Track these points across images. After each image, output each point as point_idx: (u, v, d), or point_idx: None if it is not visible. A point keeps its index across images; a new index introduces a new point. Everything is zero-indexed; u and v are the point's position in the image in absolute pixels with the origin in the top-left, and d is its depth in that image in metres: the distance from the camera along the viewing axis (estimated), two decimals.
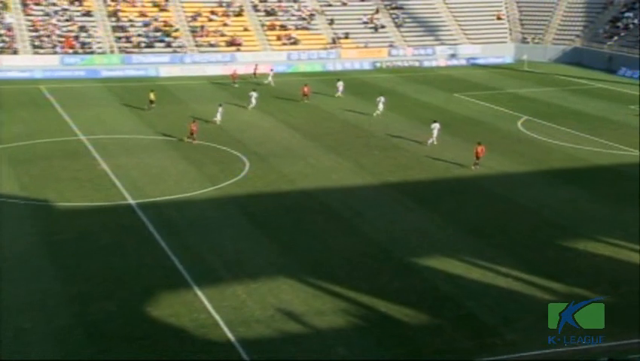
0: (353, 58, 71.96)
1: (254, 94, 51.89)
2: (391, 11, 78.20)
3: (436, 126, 42.82)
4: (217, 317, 22.74)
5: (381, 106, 49.70)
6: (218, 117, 46.22)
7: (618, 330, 21.82)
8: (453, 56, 75.06)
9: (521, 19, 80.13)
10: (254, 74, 62.79)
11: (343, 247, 28.20)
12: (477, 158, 37.91)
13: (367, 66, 70.49)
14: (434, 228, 30.39)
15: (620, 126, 47.85)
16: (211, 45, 69.53)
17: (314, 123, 47.67)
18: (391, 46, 74.16)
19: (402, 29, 76.88)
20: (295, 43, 71.59)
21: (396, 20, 77.38)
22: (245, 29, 72.10)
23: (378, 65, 71.18)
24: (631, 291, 24.61)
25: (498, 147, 42.33)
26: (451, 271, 26.10)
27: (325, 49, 72.01)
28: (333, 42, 72.87)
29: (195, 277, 25.20)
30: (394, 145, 42.85)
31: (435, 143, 42.23)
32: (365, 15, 76.87)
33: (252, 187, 35.04)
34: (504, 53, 75.85)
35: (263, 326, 22.37)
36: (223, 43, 70.00)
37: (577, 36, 76.21)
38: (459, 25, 78.48)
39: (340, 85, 55.73)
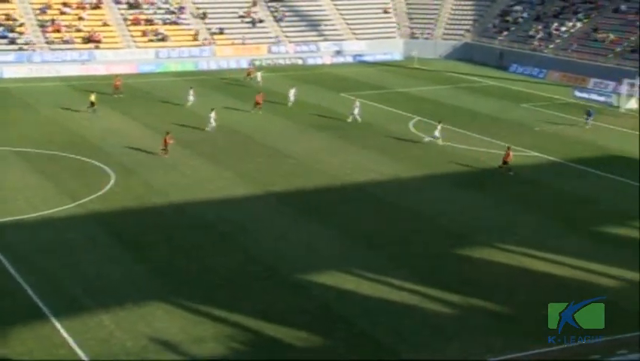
0: (229, 56, 71.98)
1: (191, 90, 52.57)
2: (270, 4, 78.84)
3: (438, 128, 44.76)
4: (80, 351, 22.05)
5: (357, 110, 49.92)
6: (212, 123, 45.98)
7: (517, 341, 22.99)
8: (339, 52, 76.61)
9: (409, 13, 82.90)
10: (249, 74, 62.53)
11: (224, 266, 28.11)
12: (505, 162, 39.63)
13: (244, 64, 70.60)
14: (323, 240, 30.85)
15: (514, 126, 50.44)
16: (65, 42, 67.48)
17: (189, 129, 47.23)
18: (272, 42, 74.73)
19: (282, 24, 77.66)
20: (163, 39, 70.74)
21: (275, 14, 78.07)
22: (105, 24, 70.50)
23: (257, 63, 71.48)
24: (527, 300, 25.94)
25: (389, 151, 43.57)
26: (343, 287, 26.57)
27: (198, 46, 71.61)
28: (194, 37, 72.54)
29: (52, 307, 24.34)
30: (278, 151, 43.17)
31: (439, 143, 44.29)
32: (241, 8, 77.11)
33: (118, 203, 34.28)
34: (392, 50, 78.18)
35: (135, 359, 21.91)
36: (79, 40, 68.12)
37: (468, 31, 79.75)
38: (344, 19, 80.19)
39: (292, 92, 54.75)
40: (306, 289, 26.55)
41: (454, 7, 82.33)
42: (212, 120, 46.08)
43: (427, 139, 44.86)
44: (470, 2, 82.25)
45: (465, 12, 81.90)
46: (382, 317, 24.50)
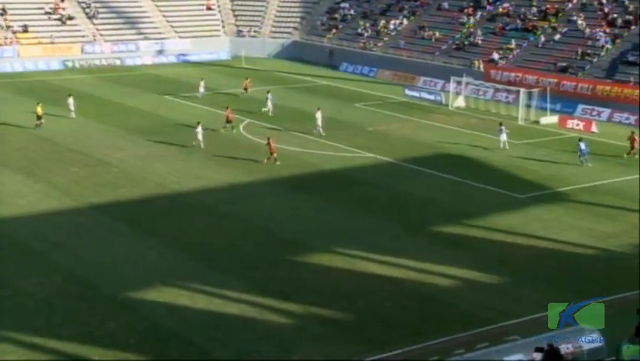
0: (36, 56, 69.27)
1: (71, 101, 50.52)
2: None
3: (502, 129, 45.84)
4: None
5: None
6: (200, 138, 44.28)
7: (359, 348, 23.72)
8: (160, 52, 75.76)
9: (234, 10, 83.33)
10: (245, 88, 59.79)
11: (40, 288, 27.00)
12: (632, 147, 43.71)
13: (55, 66, 68.25)
14: (151, 254, 30.34)
15: (348, 127, 51.93)
16: None
17: None
18: (86, 41, 72.61)
19: (96, 21, 75.69)
20: None
21: (87, 10, 75.93)
22: None
23: (69, 64, 69.35)
24: (368, 304, 26.80)
25: (220, 156, 43.52)
26: (174, 303, 26.27)
27: None
28: None
29: None
30: (98, 160, 42.02)
31: (507, 147, 45.25)
32: (47, 4, 74.38)
33: None
34: (218, 48, 78.26)
35: None
36: None
37: (295, 29, 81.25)
38: (164, 16, 79.35)
39: (269, 98, 53.83)
40: (133, 307, 26.01)
41: (280, 4, 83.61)
42: (200, 136, 44.56)
43: (501, 142, 45.44)
44: None
45: (292, 9, 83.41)
46: (218, 332, 24.46)
